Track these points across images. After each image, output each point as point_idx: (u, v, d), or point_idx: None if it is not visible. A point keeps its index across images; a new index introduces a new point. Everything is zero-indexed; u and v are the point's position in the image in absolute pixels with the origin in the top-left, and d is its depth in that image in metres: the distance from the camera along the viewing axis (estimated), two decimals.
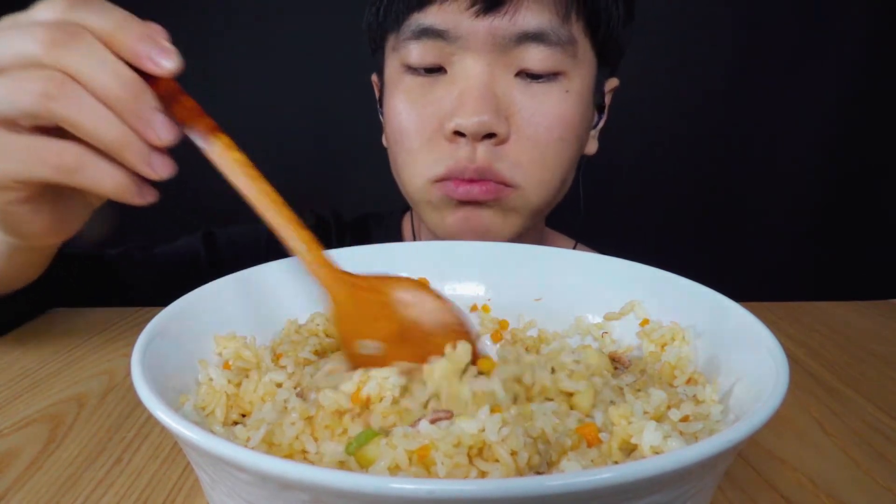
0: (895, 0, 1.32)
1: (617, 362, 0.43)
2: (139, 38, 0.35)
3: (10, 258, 0.49)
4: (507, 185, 0.64)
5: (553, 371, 0.38)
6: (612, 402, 0.36)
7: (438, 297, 0.38)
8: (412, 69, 0.65)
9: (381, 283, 0.38)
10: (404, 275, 0.50)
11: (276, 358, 0.42)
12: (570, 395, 0.36)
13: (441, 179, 0.65)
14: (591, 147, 0.75)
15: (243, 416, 0.37)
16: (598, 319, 0.47)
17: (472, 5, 0.60)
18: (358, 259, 0.50)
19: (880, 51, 1.34)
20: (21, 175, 0.37)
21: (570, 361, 0.40)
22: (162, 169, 0.36)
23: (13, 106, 0.34)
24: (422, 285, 0.39)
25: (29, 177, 0.37)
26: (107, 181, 0.36)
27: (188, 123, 0.36)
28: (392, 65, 0.68)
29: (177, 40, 0.37)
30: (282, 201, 0.37)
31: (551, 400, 0.36)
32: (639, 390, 0.38)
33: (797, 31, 1.35)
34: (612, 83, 0.75)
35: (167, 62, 0.35)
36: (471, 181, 0.64)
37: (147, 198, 0.38)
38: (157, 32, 0.36)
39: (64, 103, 0.34)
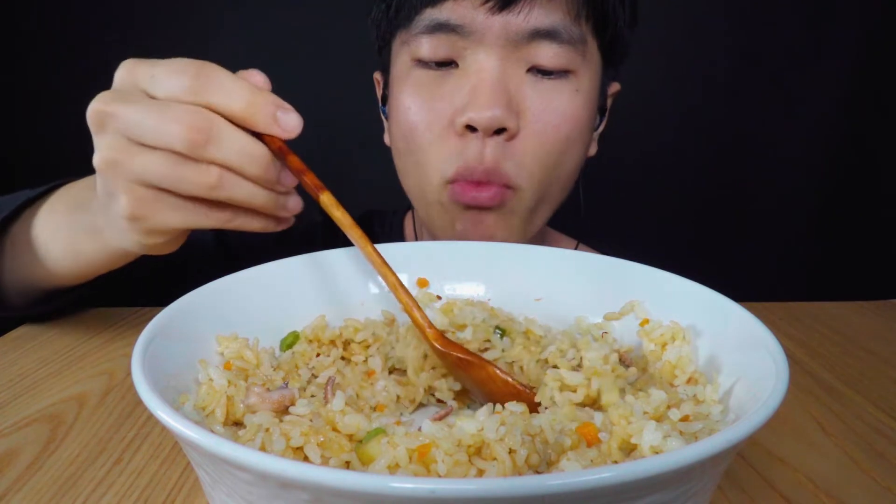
0: (893, 1, 1.32)
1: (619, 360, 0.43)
2: (268, 114, 0.40)
3: (114, 263, 0.53)
4: (510, 187, 0.65)
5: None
6: (622, 390, 0.37)
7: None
8: (423, 63, 0.65)
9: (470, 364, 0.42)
10: (404, 275, 0.51)
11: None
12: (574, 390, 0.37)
13: (452, 181, 0.65)
14: (592, 149, 0.75)
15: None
16: (598, 319, 0.47)
17: (487, 1, 0.60)
18: (358, 257, 0.51)
19: (879, 51, 1.35)
20: (191, 226, 0.43)
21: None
22: (294, 207, 0.44)
23: (183, 189, 0.40)
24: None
25: (197, 226, 0.43)
26: (254, 224, 0.44)
27: (300, 178, 0.42)
28: (401, 60, 0.67)
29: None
30: (383, 262, 0.44)
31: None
32: (640, 389, 0.38)
33: (795, 33, 1.35)
34: (614, 87, 0.76)
35: (295, 126, 0.41)
36: (478, 184, 0.64)
37: (287, 224, 0.45)
38: (278, 101, 0.41)
39: (226, 192, 0.40)
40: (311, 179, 0.42)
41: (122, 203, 0.41)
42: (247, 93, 0.40)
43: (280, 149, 0.41)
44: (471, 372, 0.41)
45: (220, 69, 0.41)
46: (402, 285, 0.43)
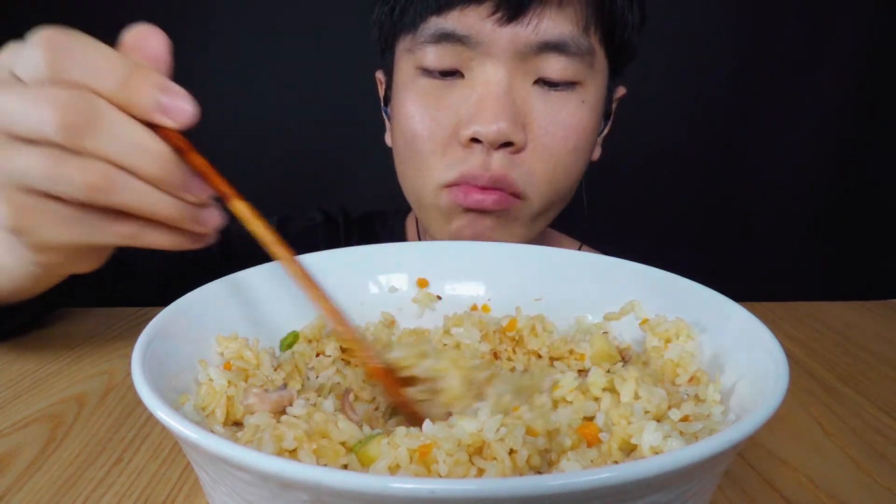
0: (894, 3, 1.32)
1: (620, 355, 0.43)
2: (149, 97, 0.33)
3: (38, 283, 0.47)
4: (517, 195, 0.64)
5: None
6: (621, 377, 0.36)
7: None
8: (427, 72, 0.64)
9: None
10: (404, 275, 0.51)
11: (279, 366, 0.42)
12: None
13: (452, 184, 0.64)
14: (596, 153, 0.75)
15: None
16: (598, 319, 0.47)
17: (495, 13, 0.59)
18: (358, 258, 0.51)
19: (880, 54, 1.35)
20: (86, 242, 0.36)
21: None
22: (212, 221, 0.37)
23: (66, 191, 0.33)
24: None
25: (94, 243, 0.37)
26: (164, 241, 0.37)
27: (206, 181, 0.36)
28: (405, 66, 0.67)
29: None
30: (318, 291, 0.38)
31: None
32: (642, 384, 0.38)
33: (799, 35, 1.35)
34: (620, 91, 0.75)
35: (187, 115, 0.33)
36: (483, 189, 0.63)
37: (206, 241, 0.39)
38: (163, 82, 0.33)
39: (116, 196, 0.33)
40: (219, 184, 0.35)
41: (2, 212, 0.35)
42: (119, 68, 0.31)
43: (178, 146, 0.33)
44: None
45: (83, 37, 0.32)
46: (338, 315, 0.39)
